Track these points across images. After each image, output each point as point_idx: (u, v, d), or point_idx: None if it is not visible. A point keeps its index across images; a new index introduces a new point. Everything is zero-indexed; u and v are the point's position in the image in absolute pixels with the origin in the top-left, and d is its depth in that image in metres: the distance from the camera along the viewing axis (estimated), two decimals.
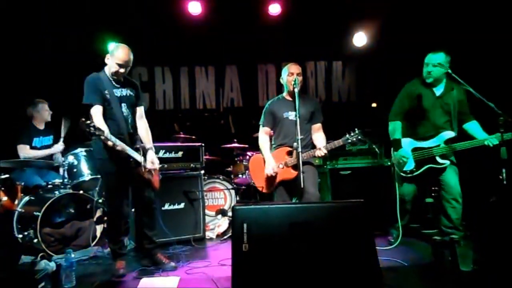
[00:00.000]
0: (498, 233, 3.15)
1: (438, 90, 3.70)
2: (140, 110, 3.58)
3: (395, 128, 3.78)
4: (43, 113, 4.72)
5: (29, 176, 4.45)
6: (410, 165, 3.71)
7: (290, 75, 3.62)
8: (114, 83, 3.38)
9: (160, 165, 3.66)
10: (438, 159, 3.60)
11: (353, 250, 2.40)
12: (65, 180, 4.29)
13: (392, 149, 3.87)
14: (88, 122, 2.97)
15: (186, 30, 6.27)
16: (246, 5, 6.22)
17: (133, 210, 3.78)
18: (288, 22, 6.35)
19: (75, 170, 4.39)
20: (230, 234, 4.49)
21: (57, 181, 4.29)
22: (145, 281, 3.14)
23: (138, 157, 3.37)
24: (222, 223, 4.85)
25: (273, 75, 6.93)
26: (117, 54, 3.29)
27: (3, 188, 4.17)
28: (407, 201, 3.80)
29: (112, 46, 3.53)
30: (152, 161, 3.44)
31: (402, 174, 3.75)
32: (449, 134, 3.60)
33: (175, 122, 5.97)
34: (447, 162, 3.59)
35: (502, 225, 3.18)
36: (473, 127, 3.65)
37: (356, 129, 3.46)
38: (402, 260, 3.41)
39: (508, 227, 3.11)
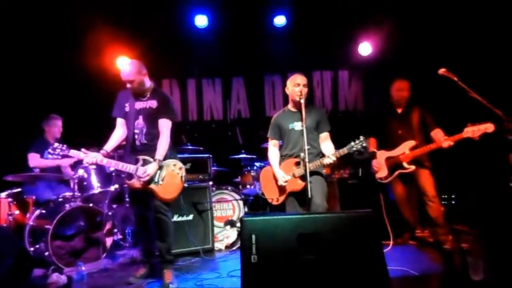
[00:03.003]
0: (510, 242, 3.11)
1: (400, 109, 4.44)
2: (161, 123, 3.55)
3: (369, 143, 4.46)
4: (54, 129, 4.79)
5: (41, 190, 4.52)
6: (383, 172, 4.34)
7: (296, 86, 3.63)
8: (139, 96, 3.53)
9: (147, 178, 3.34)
10: (405, 164, 4.21)
11: (362, 260, 2.39)
12: (75, 193, 4.34)
13: None
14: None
15: (193, 43, 6.36)
16: (252, 17, 6.30)
17: None
18: (294, 33, 6.40)
19: (85, 183, 4.46)
20: (238, 245, 4.50)
21: (68, 194, 4.34)
22: None
23: (130, 168, 3.30)
24: (231, 234, 4.86)
25: (279, 85, 6.95)
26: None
27: (15, 202, 4.24)
28: (399, 203, 4.39)
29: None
30: (144, 171, 3.28)
31: (378, 180, 4.38)
32: (410, 143, 4.21)
33: (183, 134, 6.01)
34: (412, 166, 4.18)
35: None
36: (435, 134, 4.19)
37: (360, 136, 3.43)
38: (412, 270, 3.38)
39: None
